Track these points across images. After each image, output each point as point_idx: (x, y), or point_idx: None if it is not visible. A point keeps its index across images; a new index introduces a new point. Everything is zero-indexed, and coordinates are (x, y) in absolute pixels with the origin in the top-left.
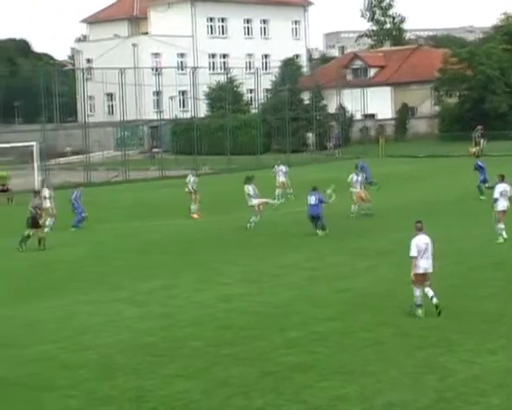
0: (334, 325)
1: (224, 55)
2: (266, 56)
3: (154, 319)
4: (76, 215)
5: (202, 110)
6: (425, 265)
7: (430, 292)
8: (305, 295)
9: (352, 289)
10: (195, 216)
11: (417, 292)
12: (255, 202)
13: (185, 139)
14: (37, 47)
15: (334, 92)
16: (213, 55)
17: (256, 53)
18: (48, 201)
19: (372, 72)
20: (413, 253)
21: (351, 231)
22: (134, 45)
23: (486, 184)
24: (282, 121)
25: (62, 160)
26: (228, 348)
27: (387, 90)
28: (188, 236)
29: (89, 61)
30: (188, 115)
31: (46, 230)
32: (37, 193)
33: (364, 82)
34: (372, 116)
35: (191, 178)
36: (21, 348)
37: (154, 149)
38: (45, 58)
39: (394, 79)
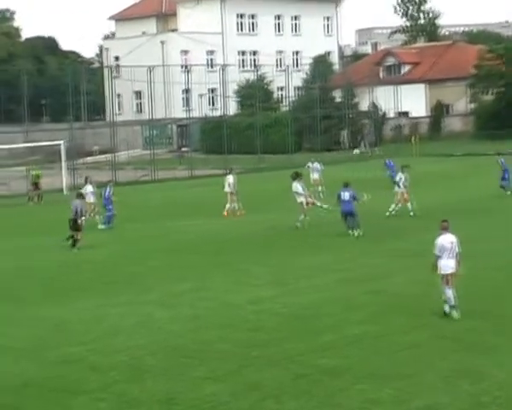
0: (368, 327)
1: (254, 53)
2: (297, 53)
3: (184, 321)
4: (107, 212)
5: (232, 108)
6: (451, 264)
7: (450, 293)
8: (337, 297)
9: (386, 291)
10: (226, 214)
11: (449, 293)
12: (303, 199)
13: (215, 138)
14: (65, 45)
15: (367, 90)
16: (243, 53)
17: (287, 50)
18: (92, 196)
19: (406, 68)
20: (436, 251)
21: (385, 232)
22: (162, 42)
23: (500, 182)
24: (313, 119)
25: (89, 159)
26: (258, 350)
27: (421, 87)
28: (218, 236)
29: (117, 58)
30: (217, 113)
31: (100, 226)
32: (80, 195)
33: (398, 79)
34: (405, 114)
35: (232, 178)
36: (51, 349)
37: (183, 148)
38: (73, 56)
39: (428, 75)
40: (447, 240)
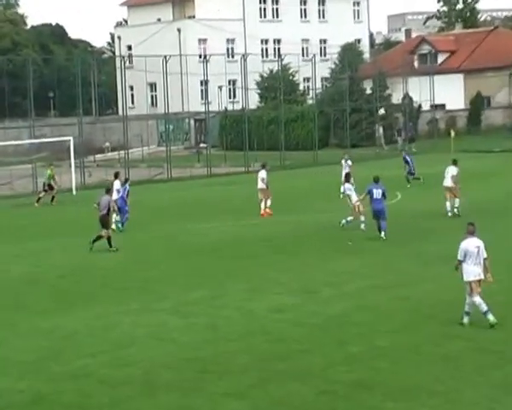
0: (398, 337)
1: (278, 41)
2: (324, 41)
3: (200, 332)
4: (123, 213)
5: (253, 101)
6: (477, 271)
7: (478, 300)
8: (364, 305)
9: (416, 298)
10: (270, 212)
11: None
12: (355, 203)
13: (235, 133)
14: (74, 33)
15: (400, 81)
16: (266, 41)
17: (312, 38)
18: (117, 194)
19: (442, 57)
20: (459, 256)
21: (415, 234)
22: (178, 30)
23: None
24: (341, 113)
25: (100, 156)
26: (281, 363)
27: (459, 77)
28: (237, 239)
29: (129, 47)
30: (237, 107)
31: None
32: (108, 190)
33: (433, 69)
34: (442, 107)
35: (265, 173)
36: (59, 362)
37: (201, 145)
38: (82, 45)
39: (467, 65)
40: (472, 244)
